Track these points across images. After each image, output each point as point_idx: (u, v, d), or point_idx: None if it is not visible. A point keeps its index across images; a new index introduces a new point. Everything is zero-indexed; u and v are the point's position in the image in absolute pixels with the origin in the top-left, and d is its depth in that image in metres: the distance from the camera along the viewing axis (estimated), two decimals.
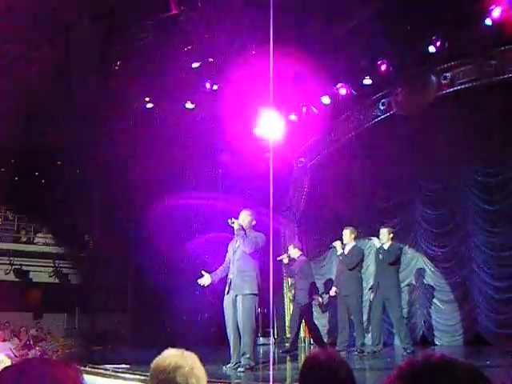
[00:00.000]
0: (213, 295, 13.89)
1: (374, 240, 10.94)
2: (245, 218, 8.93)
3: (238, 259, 8.76)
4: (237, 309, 8.60)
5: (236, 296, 8.64)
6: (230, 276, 8.75)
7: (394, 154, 12.76)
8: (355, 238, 11.27)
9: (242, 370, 8.32)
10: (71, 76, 11.15)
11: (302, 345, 13.62)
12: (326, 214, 14.08)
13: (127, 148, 14.09)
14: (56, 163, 15.86)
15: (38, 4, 9.57)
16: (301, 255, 11.85)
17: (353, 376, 2.56)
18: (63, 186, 15.38)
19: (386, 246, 10.75)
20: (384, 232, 10.92)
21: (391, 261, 10.57)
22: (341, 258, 11.21)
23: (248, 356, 8.43)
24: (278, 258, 11.67)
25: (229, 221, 8.77)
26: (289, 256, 11.81)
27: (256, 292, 8.62)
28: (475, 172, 11.70)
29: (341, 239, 11.28)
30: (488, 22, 9.82)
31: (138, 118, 13.30)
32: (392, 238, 10.88)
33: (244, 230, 8.71)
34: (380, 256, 10.75)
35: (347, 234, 11.23)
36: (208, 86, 12.34)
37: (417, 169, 12.54)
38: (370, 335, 11.20)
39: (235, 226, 8.71)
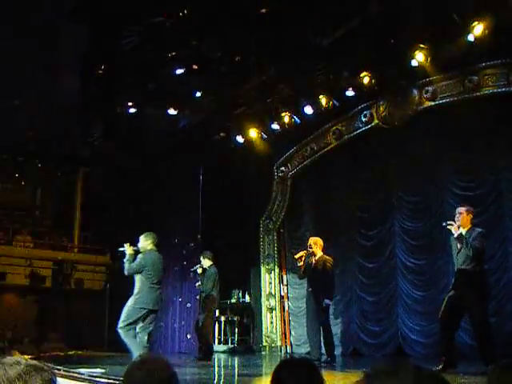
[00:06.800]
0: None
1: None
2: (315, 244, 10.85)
3: None
4: None
5: None
6: None
7: (374, 165, 12.86)
8: (322, 248, 11.17)
9: None
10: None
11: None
12: (305, 223, 14.13)
13: (110, 152, 14.10)
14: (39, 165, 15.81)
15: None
16: (211, 265, 12.21)
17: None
18: (47, 188, 15.34)
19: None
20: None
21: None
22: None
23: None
24: (192, 269, 12.50)
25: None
26: (202, 266, 12.23)
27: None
28: (454, 185, 11.78)
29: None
30: (470, 38, 9.93)
31: (121, 122, 13.32)
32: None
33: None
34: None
35: (312, 245, 11.17)
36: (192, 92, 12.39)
37: (396, 180, 12.60)
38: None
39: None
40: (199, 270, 12.18)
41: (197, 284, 12.37)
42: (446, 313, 8.73)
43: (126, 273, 9.11)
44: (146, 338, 9.06)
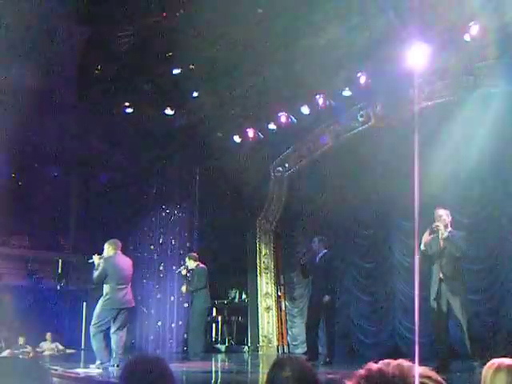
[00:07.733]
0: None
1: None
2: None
3: None
4: None
5: None
6: None
7: (371, 164, 12.84)
8: (325, 246, 11.24)
9: None
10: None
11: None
12: (302, 223, 14.13)
13: (106, 151, 14.09)
14: (33, 165, 15.77)
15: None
16: (198, 265, 12.24)
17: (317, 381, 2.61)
18: (40, 188, 15.30)
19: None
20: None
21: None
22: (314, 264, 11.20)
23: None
24: (177, 271, 12.88)
25: None
26: (186, 267, 12.35)
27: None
28: (452, 185, 11.75)
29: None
30: (467, 37, 9.94)
31: (117, 122, 13.32)
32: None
33: None
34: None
35: (315, 242, 11.25)
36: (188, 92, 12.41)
37: (393, 180, 12.58)
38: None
39: None
40: (183, 272, 12.26)
41: (183, 288, 12.37)
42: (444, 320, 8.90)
43: (94, 281, 9.80)
44: (118, 337, 9.45)
